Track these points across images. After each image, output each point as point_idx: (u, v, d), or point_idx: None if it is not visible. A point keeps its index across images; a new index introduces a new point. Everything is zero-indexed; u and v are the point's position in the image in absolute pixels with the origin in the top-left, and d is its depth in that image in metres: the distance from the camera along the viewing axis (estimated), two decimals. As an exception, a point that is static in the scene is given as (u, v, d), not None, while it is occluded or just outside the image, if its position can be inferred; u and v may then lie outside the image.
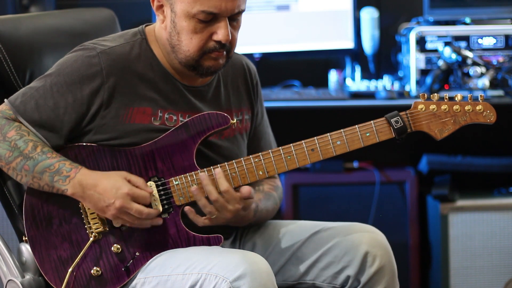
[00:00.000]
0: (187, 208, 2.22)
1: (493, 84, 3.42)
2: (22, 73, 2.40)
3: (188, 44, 2.22)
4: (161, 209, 2.22)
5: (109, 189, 2.15)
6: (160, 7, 2.25)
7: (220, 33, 2.19)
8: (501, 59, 3.50)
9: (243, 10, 2.23)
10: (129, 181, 2.18)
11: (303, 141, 2.25)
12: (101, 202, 2.15)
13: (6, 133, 2.20)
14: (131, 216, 2.16)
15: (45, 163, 2.18)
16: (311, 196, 3.69)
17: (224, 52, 2.23)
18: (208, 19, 2.19)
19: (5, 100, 2.25)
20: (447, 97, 2.27)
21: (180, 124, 2.26)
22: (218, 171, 2.21)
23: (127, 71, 2.25)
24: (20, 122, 2.22)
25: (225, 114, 2.26)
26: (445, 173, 3.72)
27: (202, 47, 2.21)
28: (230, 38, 2.20)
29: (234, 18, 2.22)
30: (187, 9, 2.18)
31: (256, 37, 3.69)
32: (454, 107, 2.26)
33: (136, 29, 2.34)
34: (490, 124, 2.26)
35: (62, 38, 2.53)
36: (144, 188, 2.18)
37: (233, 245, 2.42)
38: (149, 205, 2.19)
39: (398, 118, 2.24)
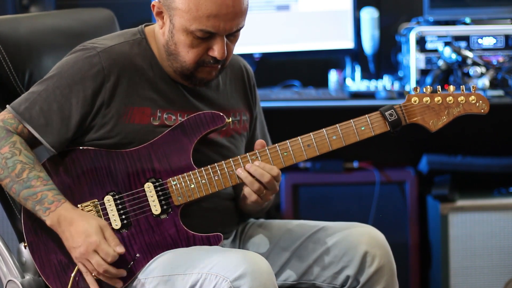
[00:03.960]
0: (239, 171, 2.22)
1: (493, 84, 3.41)
2: (21, 73, 2.40)
3: (185, 56, 2.22)
4: (159, 210, 2.23)
5: (80, 233, 2.15)
6: (160, 13, 2.25)
7: (217, 50, 2.20)
8: (501, 59, 3.50)
9: (242, 27, 2.23)
10: (103, 233, 2.16)
11: (299, 137, 2.25)
12: (69, 242, 2.16)
13: (0, 148, 2.19)
14: (90, 266, 2.15)
15: (29, 192, 2.17)
16: (311, 196, 3.68)
17: (219, 66, 2.24)
18: (206, 37, 2.19)
19: (7, 106, 2.24)
20: (440, 90, 2.28)
21: (175, 124, 2.26)
22: (258, 162, 2.21)
23: (127, 70, 2.25)
24: (25, 129, 2.21)
25: (221, 114, 2.26)
26: (445, 173, 3.72)
27: (198, 60, 2.23)
28: (226, 54, 2.21)
29: (232, 35, 2.23)
30: (185, 25, 2.19)
31: (256, 37, 3.69)
32: (447, 99, 2.27)
33: (135, 28, 2.34)
34: (484, 115, 2.27)
35: (61, 38, 2.53)
36: (113, 245, 2.15)
37: (233, 245, 2.42)
38: (118, 262, 2.17)
39: (392, 111, 2.26)
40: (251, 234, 2.44)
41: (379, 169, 3.69)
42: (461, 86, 2.28)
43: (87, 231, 2.15)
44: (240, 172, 2.22)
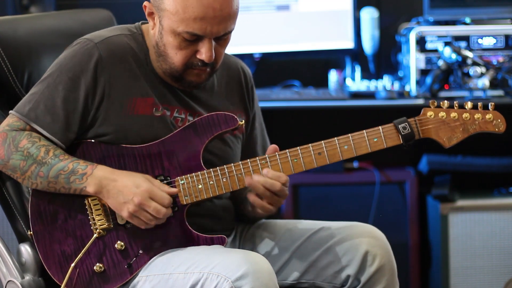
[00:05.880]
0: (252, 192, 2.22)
1: (493, 84, 3.42)
2: (20, 74, 2.40)
3: (173, 57, 2.22)
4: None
5: (129, 186, 2.15)
6: (151, 14, 2.25)
7: (204, 53, 2.19)
8: (501, 59, 3.50)
9: (231, 31, 2.22)
10: (150, 182, 2.18)
11: (310, 144, 2.24)
12: (119, 198, 2.15)
13: (18, 144, 2.19)
14: (147, 216, 2.15)
15: (59, 166, 2.17)
16: (311, 196, 3.68)
17: (208, 69, 2.24)
18: (193, 39, 2.19)
19: (11, 112, 2.24)
20: (457, 105, 2.25)
21: (188, 124, 2.26)
22: (266, 170, 2.21)
23: (125, 61, 2.25)
24: (32, 129, 2.21)
25: (233, 115, 2.26)
26: (445, 173, 3.72)
27: (186, 62, 2.22)
28: (214, 58, 2.20)
29: (221, 38, 2.22)
30: (173, 27, 2.18)
31: (256, 37, 3.68)
32: (464, 115, 2.24)
33: (132, 25, 2.35)
34: (499, 134, 2.25)
35: (60, 39, 2.52)
36: (165, 189, 2.18)
37: (233, 244, 2.42)
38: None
39: (406, 125, 2.24)
40: (251, 234, 2.44)
41: (379, 169, 3.69)
42: (478, 104, 2.24)
43: (135, 182, 2.15)
44: (250, 181, 2.21)
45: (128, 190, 2.15)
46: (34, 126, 2.21)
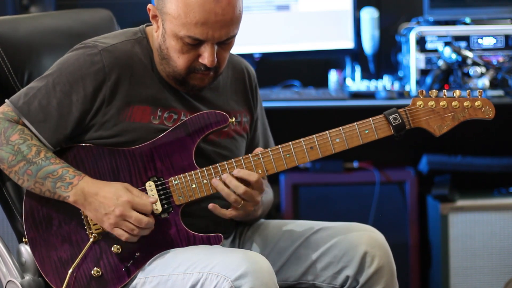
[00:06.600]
0: (211, 205, 2.21)
1: (493, 84, 3.42)
2: (20, 74, 2.40)
3: (176, 61, 2.22)
4: (160, 209, 2.22)
5: (109, 197, 2.15)
6: (155, 16, 2.25)
7: (206, 57, 2.19)
8: (501, 59, 3.50)
9: (233, 35, 2.22)
10: (130, 192, 2.18)
11: (302, 139, 2.25)
12: (101, 210, 2.15)
13: (9, 137, 2.19)
14: (129, 226, 2.15)
15: (48, 169, 2.17)
16: (311, 196, 3.68)
17: (211, 73, 2.24)
18: (195, 43, 2.19)
19: (6, 100, 2.24)
20: (445, 94, 2.27)
21: (178, 123, 2.26)
22: (237, 171, 2.20)
23: (129, 69, 2.25)
24: (24, 124, 2.21)
25: (224, 113, 2.26)
26: (445, 173, 3.72)
27: (189, 66, 2.22)
28: (216, 62, 2.20)
29: (224, 42, 2.21)
30: (175, 31, 2.18)
31: (256, 37, 3.69)
32: (453, 103, 2.26)
33: (137, 28, 2.34)
34: (489, 120, 2.26)
35: (60, 38, 2.53)
36: (145, 198, 2.18)
37: (232, 245, 2.42)
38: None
39: (396, 115, 2.24)
40: (250, 234, 2.44)
41: (379, 169, 3.69)
42: (467, 91, 2.26)
43: (116, 193, 2.15)
44: (216, 182, 2.21)
45: (109, 202, 2.15)
46: (24, 120, 2.21)
